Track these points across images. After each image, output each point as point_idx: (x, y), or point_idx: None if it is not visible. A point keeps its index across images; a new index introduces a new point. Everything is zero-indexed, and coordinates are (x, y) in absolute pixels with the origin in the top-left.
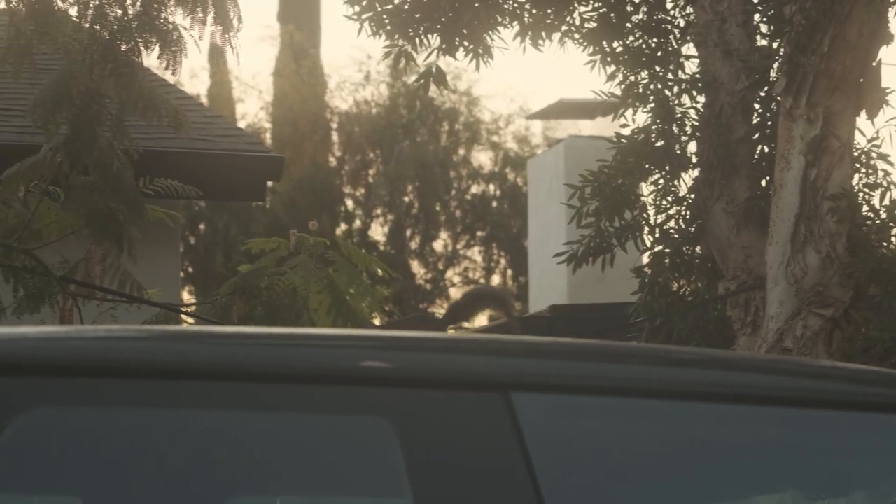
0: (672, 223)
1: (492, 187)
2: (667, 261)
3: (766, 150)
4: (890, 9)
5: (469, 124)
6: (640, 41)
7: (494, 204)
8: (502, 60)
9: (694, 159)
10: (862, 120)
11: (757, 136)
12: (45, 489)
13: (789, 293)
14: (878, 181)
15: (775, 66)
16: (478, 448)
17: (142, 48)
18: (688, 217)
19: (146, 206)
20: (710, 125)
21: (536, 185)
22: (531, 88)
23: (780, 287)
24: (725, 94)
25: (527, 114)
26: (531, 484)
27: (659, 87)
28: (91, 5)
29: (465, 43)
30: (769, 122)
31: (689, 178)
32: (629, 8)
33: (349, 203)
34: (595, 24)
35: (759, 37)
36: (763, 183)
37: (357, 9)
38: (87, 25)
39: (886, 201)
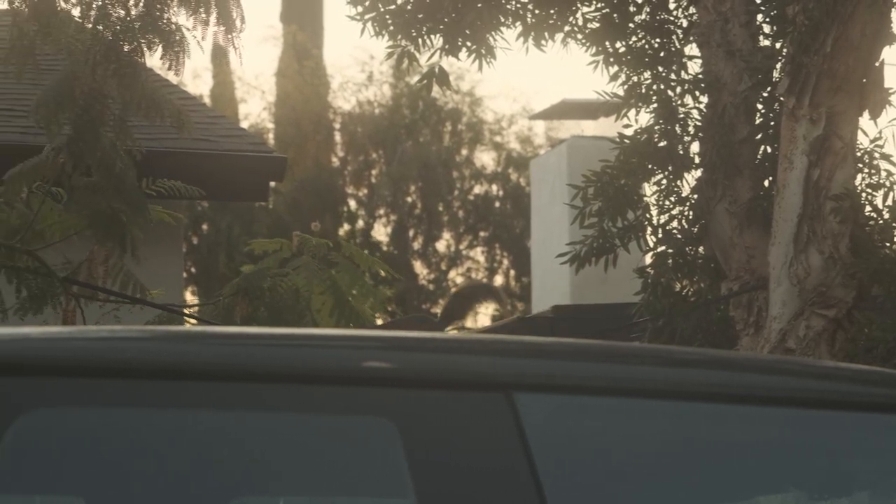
0: (675, 223)
1: (495, 188)
2: (669, 261)
3: (769, 150)
4: (893, 9)
5: (472, 125)
6: (643, 41)
7: (497, 204)
8: (505, 61)
9: (697, 160)
10: (865, 120)
11: (760, 136)
12: (48, 489)
13: (792, 293)
14: (881, 181)
15: (778, 66)
16: (480, 448)
17: (145, 49)
18: (690, 217)
19: (149, 206)
20: (713, 125)
21: (539, 185)
22: (534, 89)
23: (783, 287)
24: (728, 95)
25: (529, 114)
26: (534, 484)
27: (662, 87)
28: (94, 6)
29: (468, 43)
30: (772, 123)
31: (691, 178)
32: (632, 8)
33: (352, 203)
34: (598, 25)
35: (761, 37)
36: (766, 183)
37: (360, 9)
38: (90, 26)
39: (889, 201)
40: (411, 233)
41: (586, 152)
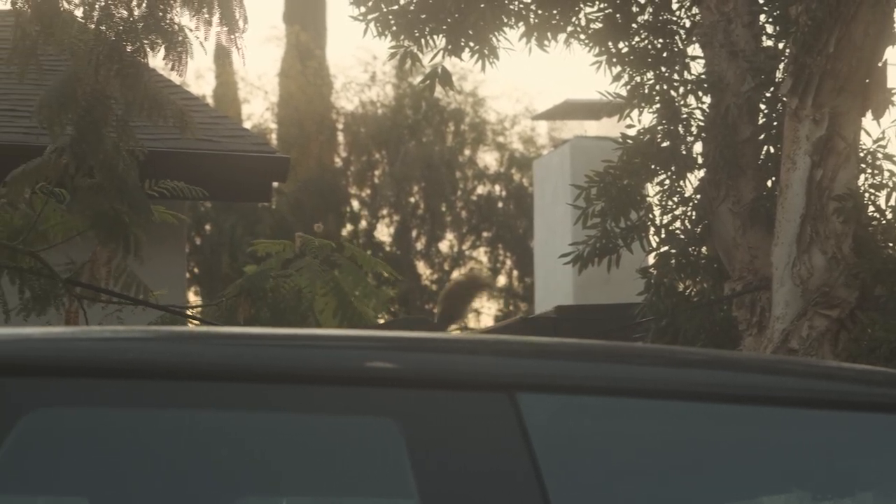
0: (678, 224)
1: (497, 188)
2: (672, 261)
3: (772, 150)
4: None
5: (475, 125)
6: (646, 42)
7: (500, 205)
8: (508, 61)
9: (700, 160)
10: (868, 120)
11: (763, 136)
12: (50, 490)
13: (795, 294)
14: (884, 182)
15: (781, 66)
16: (483, 448)
17: (147, 49)
18: (693, 218)
19: (152, 207)
20: (716, 126)
21: (542, 185)
22: (537, 89)
23: (786, 288)
24: (731, 95)
25: (532, 114)
26: (537, 484)
27: (664, 87)
28: (97, 6)
29: (471, 43)
30: (775, 123)
31: (694, 178)
32: (635, 8)
33: (355, 204)
34: (601, 25)
35: (764, 37)
36: (769, 183)
37: (363, 9)
38: (93, 26)
39: (892, 202)
40: (414, 233)
41: (589, 153)
